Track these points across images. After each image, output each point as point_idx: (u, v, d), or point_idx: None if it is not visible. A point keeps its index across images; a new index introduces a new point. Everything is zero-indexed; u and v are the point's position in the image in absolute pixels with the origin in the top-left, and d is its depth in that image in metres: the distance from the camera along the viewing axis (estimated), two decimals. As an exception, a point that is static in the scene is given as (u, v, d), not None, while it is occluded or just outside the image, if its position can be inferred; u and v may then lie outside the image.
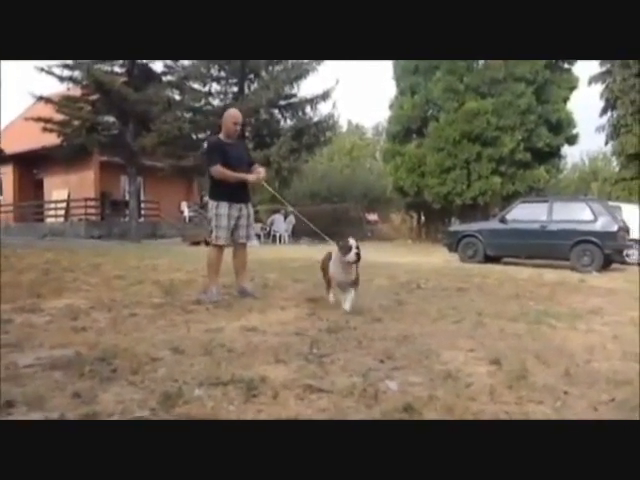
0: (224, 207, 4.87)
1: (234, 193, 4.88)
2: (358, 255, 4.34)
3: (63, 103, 18.17)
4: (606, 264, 10.37)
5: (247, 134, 20.71)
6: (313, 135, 20.06)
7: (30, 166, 23.34)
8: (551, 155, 21.50)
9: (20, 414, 1.98)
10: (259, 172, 4.94)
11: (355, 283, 4.54)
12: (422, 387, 2.43)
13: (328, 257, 4.68)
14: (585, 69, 20.62)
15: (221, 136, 5.05)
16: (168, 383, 2.34)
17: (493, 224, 11.83)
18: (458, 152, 20.43)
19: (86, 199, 21.19)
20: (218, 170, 4.81)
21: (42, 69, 17.41)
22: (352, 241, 4.38)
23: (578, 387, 2.52)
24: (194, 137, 19.09)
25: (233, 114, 5.03)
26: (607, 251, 10.13)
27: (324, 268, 4.77)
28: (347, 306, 4.36)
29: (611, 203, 12.73)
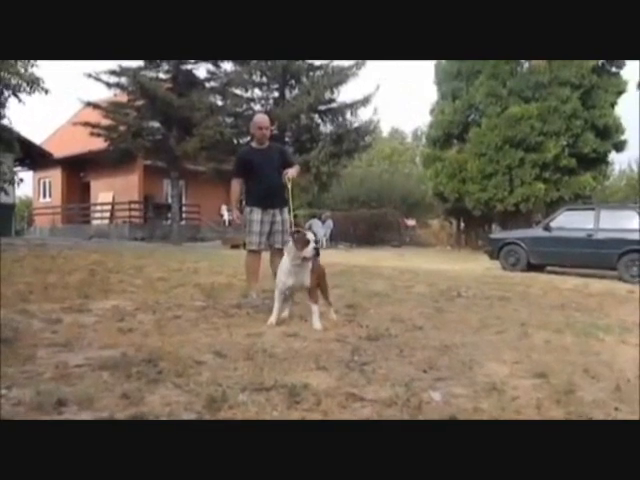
0: (257, 213, 4.92)
1: (267, 199, 4.91)
2: (317, 250, 3.79)
3: (110, 109, 18.71)
4: (656, 275, 9.98)
5: (287, 139, 20.89)
6: (353, 140, 20.05)
7: (77, 170, 24.12)
8: (598, 161, 20.83)
9: (71, 413, 2.04)
10: (286, 173, 4.83)
11: (314, 293, 3.93)
12: (466, 399, 2.39)
13: None
14: (634, 72, 19.93)
15: (253, 143, 5.14)
16: (212, 387, 2.37)
17: (536, 231, 11.55)
18: (500, 158, 20.04)
19: (130, 202, 21.74)
20: (232, 185, 5.11)
21: (90, 75, 17.95)
22: (310, 234, 3.87)
23: (629, 404, 2.44)
24: (235, 142, 19.34)
25: (258, 120, 5.07)
26: (657, 261, 9.75)
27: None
28: (317, 323, 3.81)
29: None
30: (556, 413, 2.28)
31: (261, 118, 5.14)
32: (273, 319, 3.94)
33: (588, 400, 2.45)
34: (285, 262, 3.93)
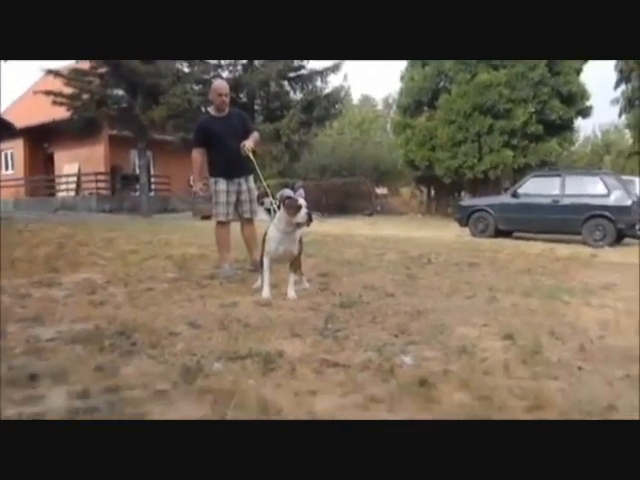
0: (222, 183, 4.84)
1: (231, 168, 4.82)
2: (310, 216, 3.75)
3: (72, 76, 18.05)
4: (619, 239, 10.30)
5: (256, 107, 20.56)
6: (323, 108, 19.84)
7: (40, 140, 23.34)
8: (564, 128, 21.11)
9: (45, 388, 2.03)
10: (243, 145, 4.67)
11: (297, 262, 3.96)
12: (437, 362, 2.46)
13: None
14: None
15: (211, 111, 5.00)
16: (187, 357, 2.38)
17: (504, 198, 11.75)
18: (469, 125, 20.14)
19: (96, 173, 21.21)
20: (193, 155, 4.91)
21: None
22: (302, 200, 3.78)
23: (593, 363, 2.54)
24: (203, 110, 18.94)
25: (217, 86, 4.93)
26: (620, 226, 10.05)
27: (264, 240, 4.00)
28: (291, 293, 3.81)
29: (625, 177, 12.56)
30: (523, 373, 2.36)
31: (220, 84, 4.99)
32: (266, 291, 3.81)
33: (553, 360, 2.55)
34: (273, 230, 3.87)
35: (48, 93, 17.90)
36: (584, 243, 10.10)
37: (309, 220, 3.76)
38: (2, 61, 11.17)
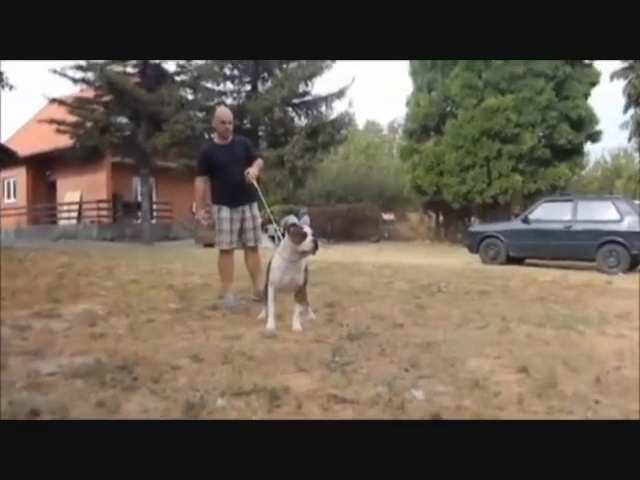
0: (226, 211, 4.88)
1: (234, 195, 4.85)
2: (316, 244, 3.71)
3: (76, 104, 18.37)
4: (633, 265, 10.23)
5: (261, 133, 20.79)
6: (328, 133, 20.03)
7: (43, 168, 23.63)
8: (573, 152, 21.24)
9: (44, 424, 2.01)
10: (247, 172, 4.73)
11: (302, 292, 3.92)
12: (449, 396, 2.43)
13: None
14: (607, 64, 20.31)
15: (215, 139, 5.09)
16: (190, 392, 2.36)
17: (515, 224, 11.75)
18: (477, 150, 20.29)
19: (98, 201, 21.40)
20: (196, 183, 4.98)
21: (55, 71, 17.60)
22: (307, 227, 3.75)
23: (609, 396, 2.50)
24: (207, 137, 19.18)
25: (220, 114, 4.98)
26: (634, 252, 9.99)
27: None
28: (297, 325, 3.77)
29: (637, 202, 12.55)
30: (538, 408, 2.32)
31: (223, 112, 5.04)
32: (271, 323, 3.77)
33: (569, 393, 2.51)
34: (278, 259, 3.83)
35: (52, 121, 18.19)
36: (598, 269, 10.04)
37: (315, 248, 3.71)
38: (8, 89, 11.33)
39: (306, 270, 4.02)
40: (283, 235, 3.97)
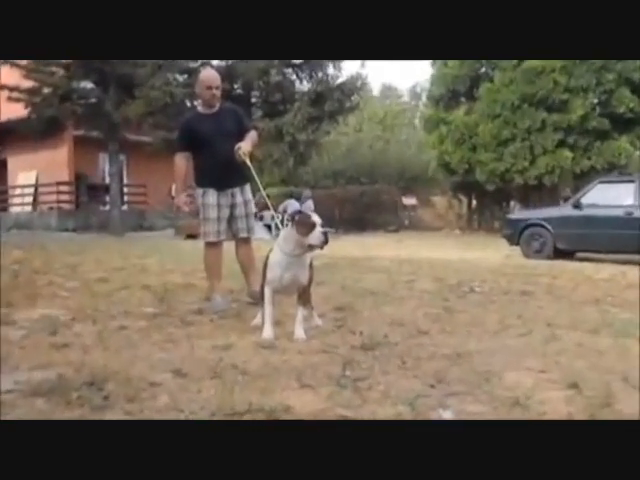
0: (212, 195, 4.88)
1: (223, 176, 4.85)
2: (326, 236, 3.62)
3: (32, 67, 18.38)
4: None
5: (254, 100, 20.79)
6: (336, 100, 20.01)
7: (-10, 144, 23.77)
8: (635, 123, 21.09)
9: None
10: (238, 147, 4.71)
11: (306, 293, 3.93)
12: (483, 418, 2.44)
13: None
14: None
15: (199, 107, 5.09)
16: (172, 413, 2.38)
17: (565, 210, 11.72)
18: (518, 120, 20.23)
19: (58, 183, 21.48)
20: (175, 161, 4.98)
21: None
22: (316, 216, 3.68)
23: (678, 418, 2.51)
24: (189, 104, 19.19)
25: (205, 77, 4.97)
26: None
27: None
28: (300, 332, 3.77)
29: None
30: (592, 432, 2.34)
31: (209, 74, 5.04)
32: (268, 330, 3.76)
33: (628, 414, 2.52)
34: (278, 253, 3.80)
35: (2, 87, 18.23)
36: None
37: (325, 242, 3.62)
38: None
39: (311, 266, 4.00)
40: (282, 223, 3.97)
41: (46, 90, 18.54)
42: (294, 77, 20.84)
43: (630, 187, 10.91)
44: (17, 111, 19.14)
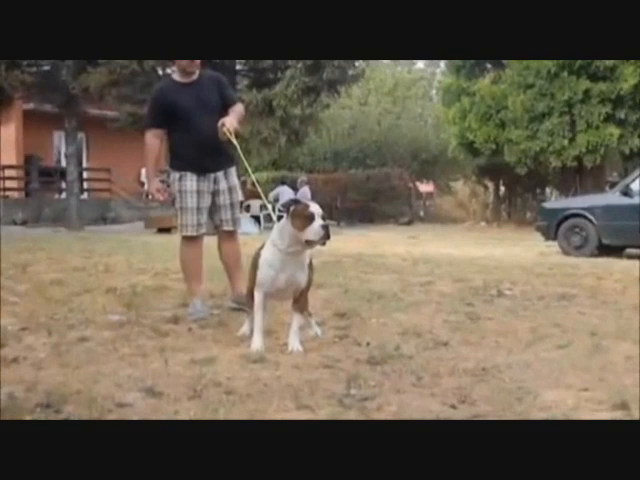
0: (190, 180, 4.87)
1: (203, 157, 4.85)
2: (327, 230, 3.62)
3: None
4: None
5: (239, 67, 20.75)
6: (337, 68, 19.93)
7: None
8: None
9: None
10: (222, 123, 4.70)
11: (303, 298, 3.94)
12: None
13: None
14: None
15: (174, 75, 5.09)
16: (143, 440, 2.40)
17: (611, 198, 11.74)
18: (555, 90, 20.19)
19: (4, 167, 21.45)
20: (146, 140, 5.01)
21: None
22: (315, 206, 3.69)
23: None
24: (160, 72, 19.16)
25: None
26: None
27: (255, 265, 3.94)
28: (295, 344, 3.80)
29: None
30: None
31: None
32: (258, 341, 3.78)
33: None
34: (271, 250, 3.80)
35: None
36: None
37: (326, 237, 3.62)
38: None
39: (310, 266, 3.97)
40: (275, 213, 3.97)
41: (-11, 55, 18.54)
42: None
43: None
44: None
